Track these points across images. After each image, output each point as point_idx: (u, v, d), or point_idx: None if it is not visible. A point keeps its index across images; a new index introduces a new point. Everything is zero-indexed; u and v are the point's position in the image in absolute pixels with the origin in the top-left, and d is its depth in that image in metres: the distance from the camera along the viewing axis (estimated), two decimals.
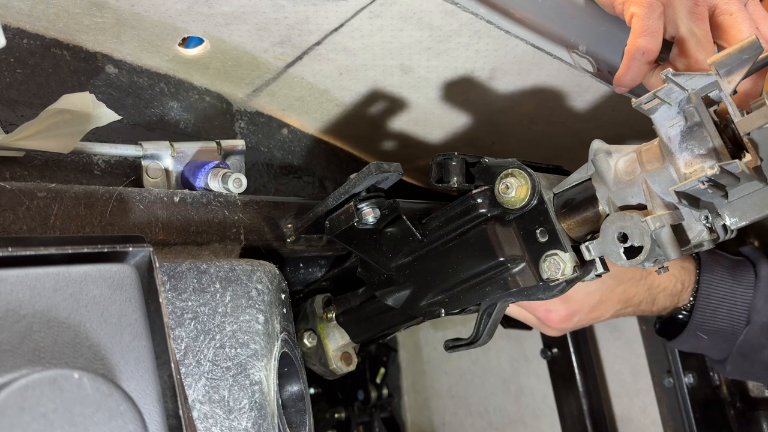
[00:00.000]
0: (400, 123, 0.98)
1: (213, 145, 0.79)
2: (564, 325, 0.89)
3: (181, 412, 0.44)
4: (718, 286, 0.91)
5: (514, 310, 0.91)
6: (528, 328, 1.04)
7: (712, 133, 0.54)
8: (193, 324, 0.60)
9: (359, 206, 0.69)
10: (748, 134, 0.52)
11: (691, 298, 0.93)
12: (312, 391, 1.38)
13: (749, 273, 0.92)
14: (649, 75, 0.75)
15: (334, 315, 0.86)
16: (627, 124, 0.97)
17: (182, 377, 0.56)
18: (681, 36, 0.71)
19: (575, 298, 0.87)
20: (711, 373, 1.08)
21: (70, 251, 0.42)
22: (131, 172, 0.76)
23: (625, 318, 1.20)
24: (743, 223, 0.58)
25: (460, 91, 0.88)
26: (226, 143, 0.80)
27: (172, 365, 0.45)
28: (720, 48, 0.74)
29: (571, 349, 1.22)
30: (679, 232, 0.58)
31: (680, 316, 0.94)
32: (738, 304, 0.90)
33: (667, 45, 0.74)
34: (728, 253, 0.97)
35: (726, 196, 0.56)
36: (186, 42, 0.79)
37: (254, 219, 0.75)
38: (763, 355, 0.90)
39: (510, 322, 0.98)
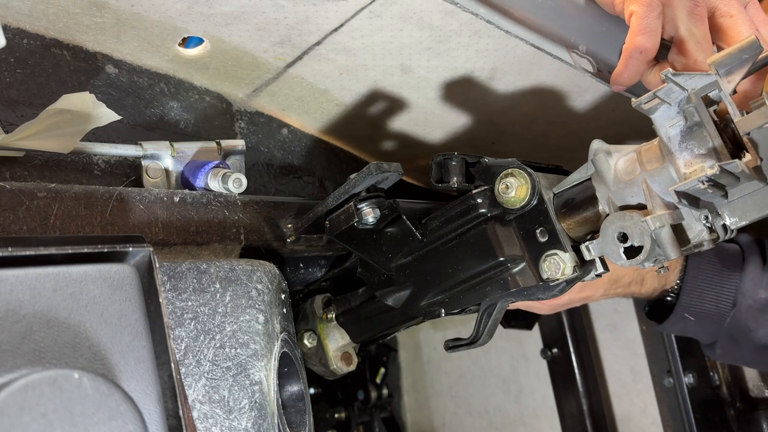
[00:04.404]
0: (400, 123, 0.98)
1: (213, 145, 0.79)
2: (555, 303, 0.92)
3: (181, 412, 0.44)
4: (705, 268, 0.92)
5: None
6: (528, 328, 1.04)
7: (712, 133, 0.54)
8: (193, 324, 0.60)
9: (359, 206, 0.69)
10: (748, 134, 0.52)
11: (678, 281, 0.93)
12: (312, 391, 1.38)
13: (737, 257, 0.93)
14: (648, 73, 0.75)
15: (334, 315, 0.86)
16: (627, 123, 0.97)
17: (182, 377, 0.56)
18: (680, 36, 0.71)
19: None
20: (711, 373, 1.08)
21: (70, 251, 0.42)
22: (131, 172, 0.76)
23: (625, 318, 1.20)
24: (743, 223, 0.58)
25: (460, 91, 0.88)
26: (226, 143, 0.80)
27: (172, 365, 0.45)
28: (719, 50, 0.74)
29: (571, 349, 1.22)
30: (679, 231, 0.58)
31: (668, 299, 0.96)
32: (725, 286, 0.91)
33: (666, 45, 0.74)
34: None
35: (726, 195, 0.56)
36: (186, 42, 0.79)
37: (254, 219, 0.75)
38: (751, 339, 0.91)
39: (510, 323, 0.99)
